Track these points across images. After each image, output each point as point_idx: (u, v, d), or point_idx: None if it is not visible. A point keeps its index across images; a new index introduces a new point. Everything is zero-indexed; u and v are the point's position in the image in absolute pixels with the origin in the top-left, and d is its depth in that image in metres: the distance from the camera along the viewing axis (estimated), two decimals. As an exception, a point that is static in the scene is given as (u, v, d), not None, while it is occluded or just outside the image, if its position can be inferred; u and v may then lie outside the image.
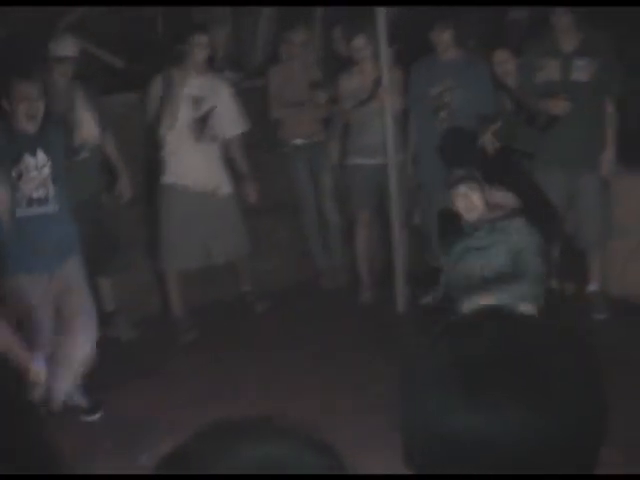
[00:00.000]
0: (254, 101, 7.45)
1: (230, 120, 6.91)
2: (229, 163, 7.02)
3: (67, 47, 6.47)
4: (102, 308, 6.71)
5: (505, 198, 5.95)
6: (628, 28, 7.13)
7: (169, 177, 6.85)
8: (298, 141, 7.52)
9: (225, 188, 6.95)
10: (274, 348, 6.66)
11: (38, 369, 4.93)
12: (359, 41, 7.15)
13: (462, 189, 5.76)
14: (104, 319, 6.73)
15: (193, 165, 6.79)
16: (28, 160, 5.50)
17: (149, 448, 4.98)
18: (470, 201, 5.77)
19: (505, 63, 6.97)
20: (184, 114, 6.74)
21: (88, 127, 6.48)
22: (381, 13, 6.77)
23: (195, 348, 6.78)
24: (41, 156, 5.54)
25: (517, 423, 1.22)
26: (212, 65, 7.84)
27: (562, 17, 6.58)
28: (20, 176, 5.48)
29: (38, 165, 5.53)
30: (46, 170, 5.55)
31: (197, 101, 6.78)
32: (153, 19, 8.28)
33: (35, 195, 5.51)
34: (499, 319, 1.37)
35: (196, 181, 6.80)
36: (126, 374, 6.22)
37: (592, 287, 7.04)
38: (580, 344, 1.32)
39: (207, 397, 5.75)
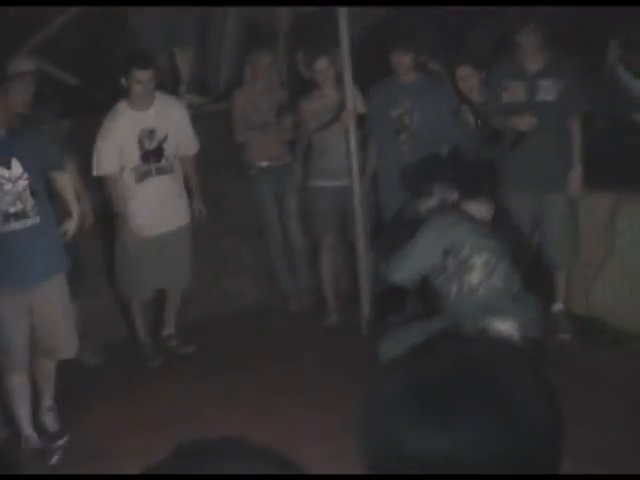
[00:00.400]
0: (219, 124, 7.45)
1: (186, 141, 6.87)
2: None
3: (23, 64, 6.39)
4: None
5: (480, 212, 5.96)
6: (594, 49, 7.23)
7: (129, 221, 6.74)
8: (263, 163, 7.51)
9: (182, 220, 6.92)
10: (240, 370, 6.64)
11: None
12: (321, 63, 7.17)
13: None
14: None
15: (149, 204, 6.69)
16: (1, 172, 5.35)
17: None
18: None
19: (468, 78, 7.02)
20: (135, 151, 6.65)
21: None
22: (344, 35, 6.79)
23: (162, 373, 6.73)
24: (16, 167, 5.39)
25: (476, 442, 1.22)
26: (177, 89, 7.86)
27: (528, 37, 6.64)
28: None
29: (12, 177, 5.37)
30: (22, 183, 5.39)
31: (149, 133, 6.70)
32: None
33: (12, 210, 5.36)
34: (457, 340, 1.39)
35: (154, 224, 6.73)
36: (92, 399, 6.18)
37: (557, 307, 7.07)
38: (533, 363, 1.33)
39: (174, 422, 5.71)
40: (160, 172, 6.76)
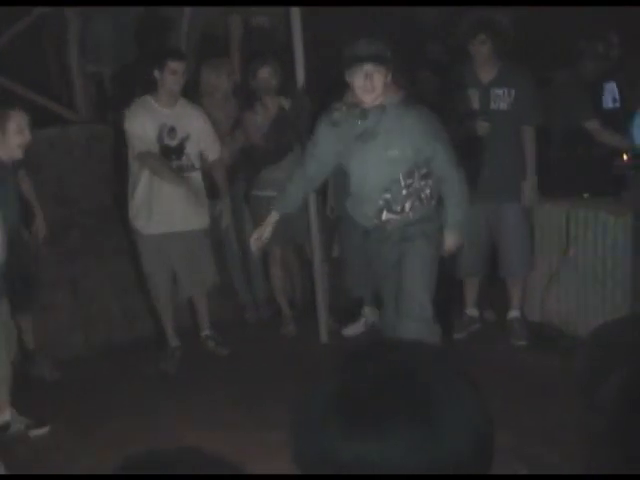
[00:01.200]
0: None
1: (208, 145, 6.91)
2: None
3: None
4: (24, 347, 6.69)
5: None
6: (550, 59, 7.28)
7: (147, 226, 6.78)
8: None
9: (197, 224, 6.93)
10: (195, 382, 6.62)
11: None
12: (264, 71, 7.17)
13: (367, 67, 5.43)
14: (27, 357, 6.72)
15: (170, 205, 6.73)
16: None
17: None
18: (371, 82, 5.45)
19: (427, 82, 7.10)
20: (153, 145, 6.68)
21: None
22: (299, 44, 6.81)
23: (115, 388, 6.67)
24: None
25: (403, 449, 1.23)
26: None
27: (480, 47, 6.69)
28: None
29: None
30: None
31: (170, 130, 6.73)
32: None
33: None
34: (385, 348, 1.40)
35: (166, 221, 6.74)
36: (50, 415, 6.13)
37: (513, 314, 7.12)
38: (455, 364, 1.34)
39: (126, 438, 5.66)
40: (180, 170, 6.76)
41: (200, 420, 5.97)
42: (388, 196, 5.59)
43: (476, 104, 6.78)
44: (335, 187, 7.20)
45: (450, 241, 5.70)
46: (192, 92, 7.26)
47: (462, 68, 6.86)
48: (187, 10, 8.19)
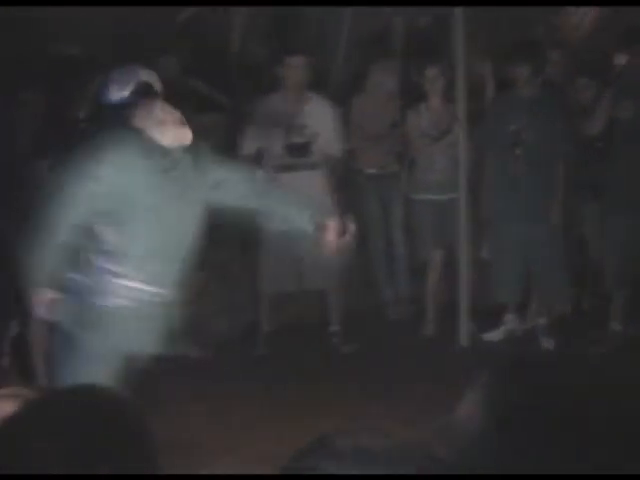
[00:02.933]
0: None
1: (332, 142, 6.92)
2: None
3: None
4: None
5: None
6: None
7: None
8: (371, 171, 7.49)
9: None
10: (334, 375, 6.66)
11: None
12: (432, 71, 7.14)
13: None
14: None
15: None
16: None
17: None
18: None
19: (585, 89, 7.01)
20: (279, 140, 6.76)
21: None
22: (459, 44, 6.77)
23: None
24: None
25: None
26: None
27: None
28: None
29: None
30: None
31: (299, 128, 6.80)
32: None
33: None
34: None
35: None
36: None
37: None
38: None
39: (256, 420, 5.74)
40: (306, 167, 6.82)
41: (331, 413, 5.96)
42: None
43: None
44: (487, 188, 7.15)
45: None
46: (356, 90, 7.31)
47: None
48: (348, 11, 8.25)
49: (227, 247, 7.26)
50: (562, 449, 1.25)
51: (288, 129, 6.77)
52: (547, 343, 7.05)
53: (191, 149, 4.17)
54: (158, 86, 4.27)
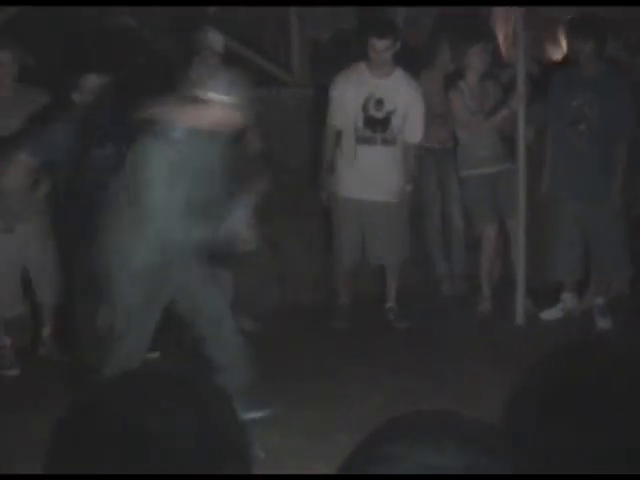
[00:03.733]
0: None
1: (412, 125, 6.90)
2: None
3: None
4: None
5: None
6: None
7: (346, 190, 6.89)
8: (428, 145, 7.44)
9: (390, 196, 6.94)
10: (383, 350, 6.65)
11: None
12: (477, 48, 7.08)
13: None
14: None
15: (366, 171, 6.78)
16: None
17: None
18: None
19: None
20: (358, 113, 6.76)
21: None
22: (520, 19, 6.71)
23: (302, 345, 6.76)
24: None
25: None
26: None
27: None
28: None
29: None
30: None
31: (378, 102, 6.79)
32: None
33: None
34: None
35: (367, 192, 6.81)
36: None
37: None
38: None
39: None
40: (384, 142, 6.84)
41: (385, 387, 5.97)
42: None
43: None
44: (549, 165, 7.07)
45: None
46: (426, 65, 7.31)
47: None
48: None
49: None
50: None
51: (367, 102, 6.77)
52: (604, 323, 6.97)
53: None
54: None
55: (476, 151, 7.21)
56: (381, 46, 6.69)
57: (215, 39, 6.80)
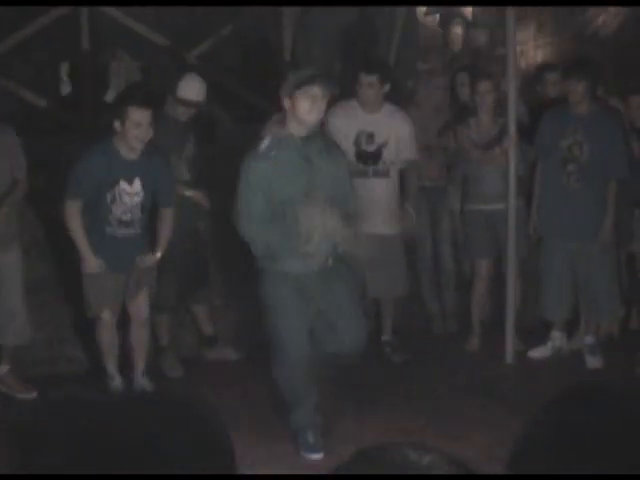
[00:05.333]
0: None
1: (405, 145, 6.94)
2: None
3: None
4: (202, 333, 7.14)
5: None
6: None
7: None
8: (421, 183, 7.45)
9: (389, 229, 6.97)
10: (371, 388, 6.62)
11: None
12: (484, 85, 7.14)
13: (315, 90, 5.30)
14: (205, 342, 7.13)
15: (360, 205, 6.77)
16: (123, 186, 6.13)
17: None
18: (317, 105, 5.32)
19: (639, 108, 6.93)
20: (349, 148, 6.75)
21: None
22: (511, 59, 6.75)
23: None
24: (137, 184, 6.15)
25: None
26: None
27: None
28: (113, 200, 6.12)
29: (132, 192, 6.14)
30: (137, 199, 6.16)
31: (369, 136, 6.86)
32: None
33: (124, 218, 6.16)
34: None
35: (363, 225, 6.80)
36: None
37: None
38: None
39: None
40: (376, 174, 6.89)
41: (374, 426, 5.93)
42: None
43: None
44: (539, 205, 7.10)
45: None
46: (407, 104, 7.34)
47: None
48: (399, 22, 8.32)
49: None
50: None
51: (358, 137, 6.85)
52: (594, 362, 6.97)
53: None
54: None
55: (477, 187, 7.27)
56: (368, 81, 6.78)
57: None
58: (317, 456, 5.53)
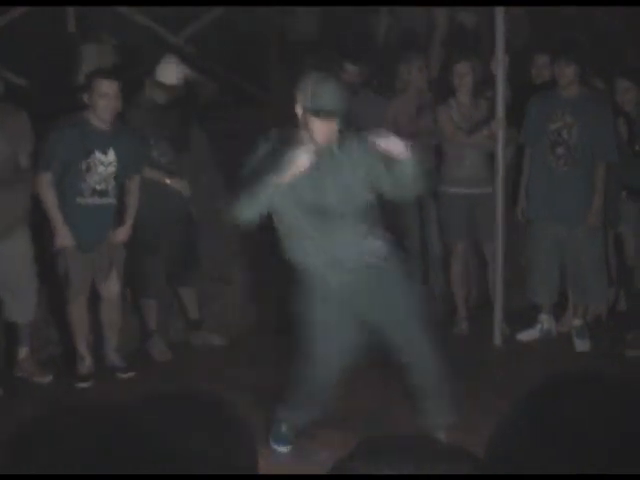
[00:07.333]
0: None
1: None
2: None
3: None
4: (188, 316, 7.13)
5: None
6: None
7: None
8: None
9: None
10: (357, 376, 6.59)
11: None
12: (463, 66, 7.12)
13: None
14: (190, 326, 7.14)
15: None
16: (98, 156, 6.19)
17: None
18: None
19: (626, 92, 6.90)
20: None
21: None
22: (501, 41, 6.73)
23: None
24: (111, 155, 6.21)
25: None
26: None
27: None
28: (88, 169, 6.17)
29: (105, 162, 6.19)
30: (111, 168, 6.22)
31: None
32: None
33: (98, 187, 6.21)
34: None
35: None
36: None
37: None
38: None
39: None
40: None
41: (361, 410, 5.92)
42: None
43: None
44: (527, 189, 7.08)
45: None
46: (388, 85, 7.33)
47: None
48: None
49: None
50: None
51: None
52: (582, 345, 6.98)
53: None
54: None
55: (456, 170, 7.23)
56: (354, 71, 7.00)
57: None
58: (284, 449, 5.45)
